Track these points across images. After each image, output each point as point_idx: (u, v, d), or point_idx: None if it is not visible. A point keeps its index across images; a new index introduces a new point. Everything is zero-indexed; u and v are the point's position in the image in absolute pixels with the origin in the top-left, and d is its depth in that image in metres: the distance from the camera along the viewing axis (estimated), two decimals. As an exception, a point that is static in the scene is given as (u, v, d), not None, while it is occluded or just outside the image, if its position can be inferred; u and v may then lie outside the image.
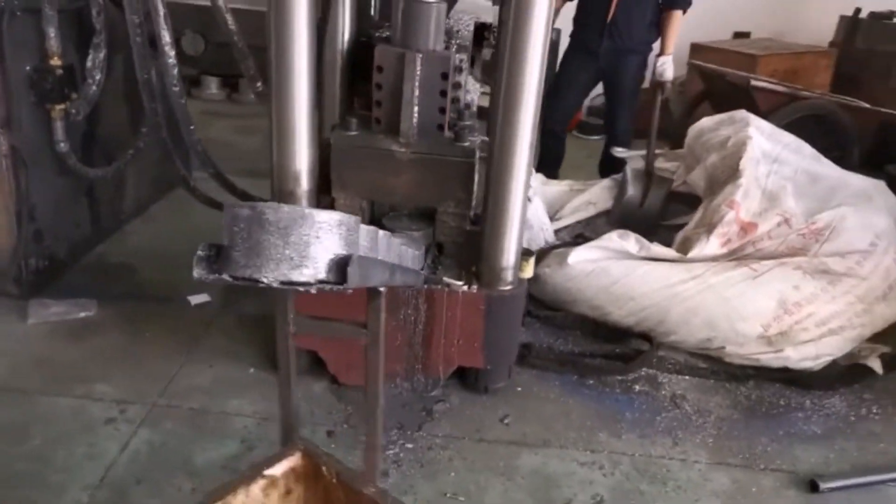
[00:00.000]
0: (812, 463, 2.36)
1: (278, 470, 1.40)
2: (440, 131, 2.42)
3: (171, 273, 3.21)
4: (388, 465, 2.21)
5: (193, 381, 2.52)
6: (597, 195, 3.73)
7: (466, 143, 2.41)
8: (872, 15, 5.55)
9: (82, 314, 2.84)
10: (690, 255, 2.90)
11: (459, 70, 2.48)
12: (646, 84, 4.18)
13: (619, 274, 2.89)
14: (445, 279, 2.42)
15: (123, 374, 2.51)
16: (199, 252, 1.19)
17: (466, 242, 2.53)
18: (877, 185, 3.38)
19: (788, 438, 2.49)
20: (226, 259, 1.17)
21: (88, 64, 3.00)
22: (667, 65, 3.78)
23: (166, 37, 2.61)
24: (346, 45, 2.55)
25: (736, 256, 2.98)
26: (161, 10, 2.62)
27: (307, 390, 2.52)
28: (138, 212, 3.83)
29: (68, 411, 2.32)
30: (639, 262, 2.90)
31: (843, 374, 2.85)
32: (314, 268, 1.14)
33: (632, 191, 3.69)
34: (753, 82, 4.29)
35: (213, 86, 5.79)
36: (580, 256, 2.91)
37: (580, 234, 3.43)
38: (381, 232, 1.59)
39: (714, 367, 2.87)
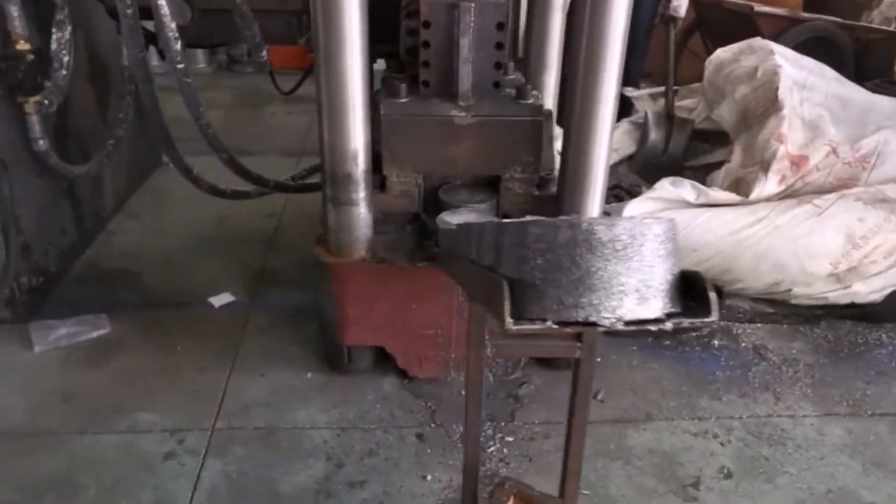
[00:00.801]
0: (916, 400, 2.28)
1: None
2: (497, 89, 2.15)
3: (177, 274, 2.88)
4: (496, 464, 2.00)
5: (249, 394, 2.23)
6: (618, 140, 3.52)
7: (531, 100, 2.16)
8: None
9: (95, 333, 2.49)
10: (752, 196, 2.73)
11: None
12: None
13: (680, 224, 2.70)
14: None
15: (166, 397, 2.20)
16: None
17: (534, 210, 2.29)
18: (901, 104, 3.29)
19: (883, 378, 2.41)
20: (536, 298, 0.89)
21: (54, 45, 2.58)
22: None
23: (164, 7, 2.22)
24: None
25: (790, 193, 2.84)
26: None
27: (377, 389, 2.28)
28: (118, 207, 3.43)
29: (116, 451, 2.01)
30: (699, 211, 2.73)
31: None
32: (663, 298, 0.87)
33: (654, 135, 3.50)
34: (757, 8, 4.13)
35: (200, 59, 5.34)
36: (636, 210, 2.72)
37: (615, 186, 3.23)
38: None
39: (783, 311, 2.76)
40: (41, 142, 2.53)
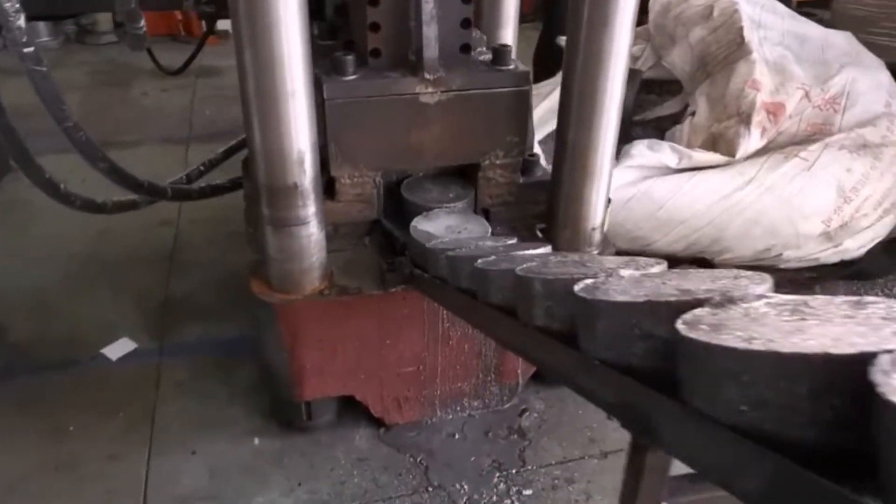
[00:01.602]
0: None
1: None
2: (465, 54, 1.67)
3: (54, 319, 2.24)
4: (523, 534, 1.59)
5: (181, 485, 1.69)
6: (556, 99, 3.11)
7: (511, 66, 1.70)
8: None
9: (-52, 422, 1.84)
10: (738, 154, 2.41)
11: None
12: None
13: (664, 195, 2.36)
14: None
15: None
16: None
17: (519, 200, 1.85)
18: (849, 38, 3.07)
19: None
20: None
21: None
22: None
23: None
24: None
25: (771, 147, 2.55)
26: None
27: (349, 448, 1.81)
28: (-44, 232, 2.68)
29: None
30: (683, 177, 2.38)
31: (890, 251, 2.60)
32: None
33: (600, 88, 3.11)
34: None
35: (42, 31, 4.43)
36: (617, 181, 2.33)
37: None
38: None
39: (774, 277, 2.48)
40: None
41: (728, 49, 2.73)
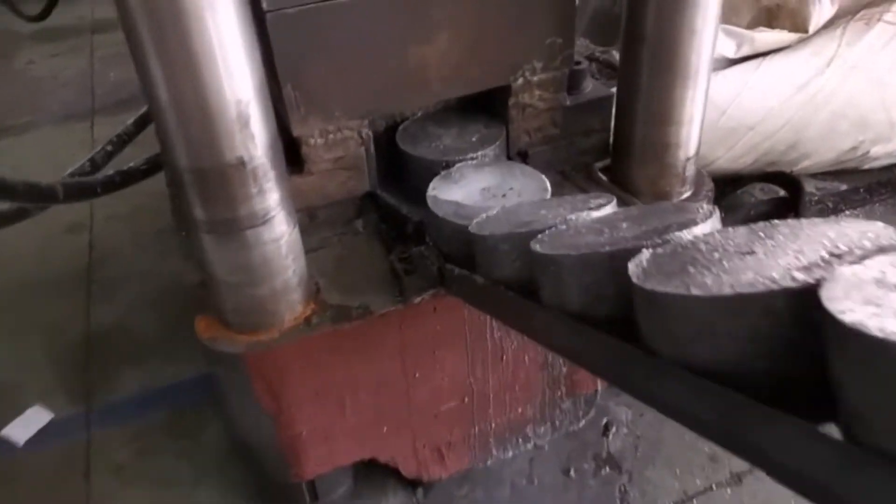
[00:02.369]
0: None
1: None
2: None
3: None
4: None
5: None
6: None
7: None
8: None
9: None
10: (811, 27, 1.84)
11: None
12: None
13: (727, 97, 1.79)
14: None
15: None
16: None
17: (567, 132, 1.27)
18: None
19: None
20: None
21: None
22: None
23: None
24: None
25: (841, 13, 1.98)
26: None
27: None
28: None
29: None
30: (746, 67, 1.82)
31: None
32: None
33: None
34: None
35: None
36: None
37: (591, 57, 2.22)
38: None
39: (857, 183, 1.98)
40: None
41: None
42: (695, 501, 1.24)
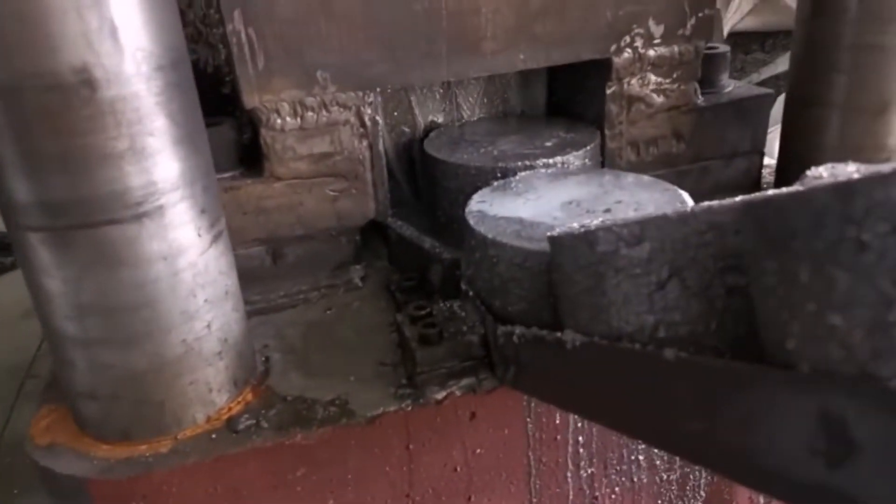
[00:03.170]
0: None
1: None
2: None
3: None
4: None
5: None
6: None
7: None
8: None
9: None
10: None
11: None
12: None
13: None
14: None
15: None
16: None
17: (694, 150, 0.80)
18: None
19: None
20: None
21: None
22: None
23: None
24: None
25: None
26: None
27: None
28: None
29: None
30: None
31: None
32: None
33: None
34: None
35: None
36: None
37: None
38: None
39: None
40: None
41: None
42: None
